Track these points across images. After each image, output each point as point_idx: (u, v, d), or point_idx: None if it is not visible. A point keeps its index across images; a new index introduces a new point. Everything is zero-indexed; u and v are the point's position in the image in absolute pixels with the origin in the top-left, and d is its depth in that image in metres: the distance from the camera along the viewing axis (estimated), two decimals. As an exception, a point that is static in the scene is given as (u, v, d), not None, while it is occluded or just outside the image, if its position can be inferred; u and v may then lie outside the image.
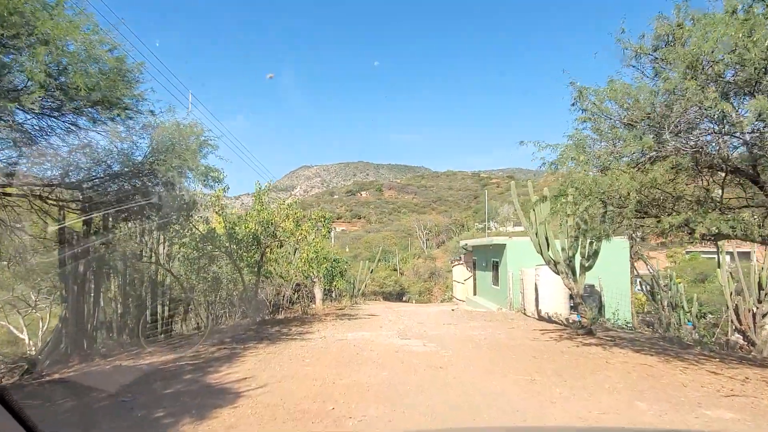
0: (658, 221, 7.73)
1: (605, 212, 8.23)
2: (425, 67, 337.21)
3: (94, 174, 9.81)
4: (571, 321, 14.84)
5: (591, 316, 11.44)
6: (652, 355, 9.16)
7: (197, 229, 13.00)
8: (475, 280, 23.65)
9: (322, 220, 13.85)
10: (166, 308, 13.65)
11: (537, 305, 15.85)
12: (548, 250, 12.15)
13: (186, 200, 11.92)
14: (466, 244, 23.75)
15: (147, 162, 9.61)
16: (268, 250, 13.90)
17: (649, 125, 7.59)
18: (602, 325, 13.28)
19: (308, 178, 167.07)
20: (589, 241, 11.69)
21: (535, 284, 16.02)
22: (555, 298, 16.17)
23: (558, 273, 12.08)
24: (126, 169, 9.70)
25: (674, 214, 7.23)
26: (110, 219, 11.13)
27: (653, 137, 7.04)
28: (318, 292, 20.81)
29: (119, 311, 13.14)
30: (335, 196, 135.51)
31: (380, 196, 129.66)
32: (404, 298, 45.19)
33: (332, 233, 42.84)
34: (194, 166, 9.24)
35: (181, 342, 11.50)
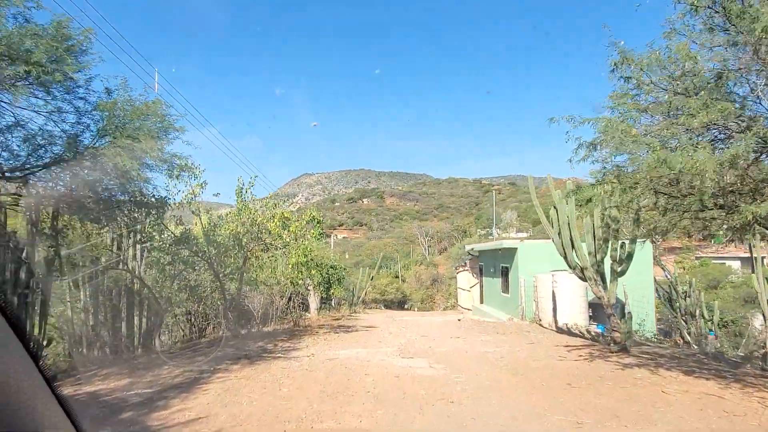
0: (730, 213, 5.97)
1: (662, 204, 6.44)
2: (426, 74, 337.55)
3: (33, 161, 8.08)
4: (594, 334, 13.02)
5: (626, 330, 9.63)
6: (707, 378, 7.35)
7: (169, 230, 11.25)
8: (481, 287, 21.84)
9: (313, 220, 12.11)
10: (144, 320, 11.93)
11: (555, 315, 14.04)
12: (573, 254, 10.36)
13: (153, 195, 10.19)
14: (473, 249, 21.97)
15: (95, 147, 7.89)
16: (251, 254, 12.15)
17: (716, 89, 5.85)
18: (631, 339, 11.48)
19: (310, 186, 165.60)
20: (621, 242, 9.90)
21: (552, 292, 14.22)
22: (573, 308, 14.38)
23: (585, 280, 10.28)
24: (72, 155, 7.95)
25: (759, 201, 5.45)
26: (62, 217, 9.40)
27: (736, 104, 5.31)
28: (313, 301, 19.01)
29: (89, 324, 11.43)
30: (336, 204, 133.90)
31: (382, 204, 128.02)
32: (406, 306, 43.30)
33: (332, 239, 41.08)
34: (149, 148, 7.48)
35: (149, 361, 9.71)
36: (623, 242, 9.93)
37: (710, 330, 19.82)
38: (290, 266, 11.42)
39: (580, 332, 13.10)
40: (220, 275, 11.91)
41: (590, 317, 15.24)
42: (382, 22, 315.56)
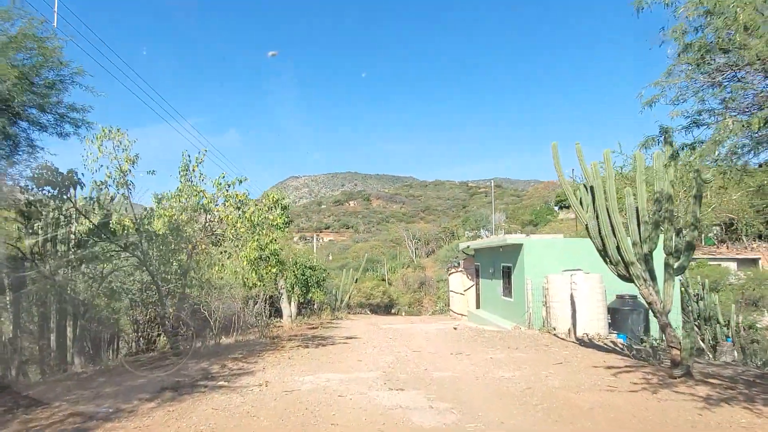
0: None
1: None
2: (412, 77, 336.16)
3: None
4: (623, 346, 10.47)
5: (689, 347, 7.05)
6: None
7: (84, 215, 8.45)
8: (478, 290, 19.26)
9: (278, 205, 9.41)
10: (54, 335, 9.14)
11: (573, 323, 11.49)
12: (614, 246, 7.78)
13: (52, 168, 7.42)
14: (468, 247, 19.35)
15: None
16: (198, 249, 9.39)
17: None
18: (667, 353, 8.96)
19: (296, 189, 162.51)
20: (677, 229, 7.36)
21: (571, 296, 11.67)
22: (594, 314, 11.85)
23: (630, 279, 7.69)
24: None
25: None
26: None
27: None
28: (286, 307, 16.24)
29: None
30: (323, 206, 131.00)
31: (368, 206, 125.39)
32: (393, 311, 40.60)
33: (315, 240, 38.28)
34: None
35: (41, 395, 6.88)
36: (680, 229, 7.39)
37: (727, 336, 17.45)
38: (244, 262, 8.69)
39: (607, 344, 10.55)
40: (157, 276, 9.10)
41: (610, 325, 12.73)
42: (369, 28, 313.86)
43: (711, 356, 15.73)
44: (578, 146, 8.32)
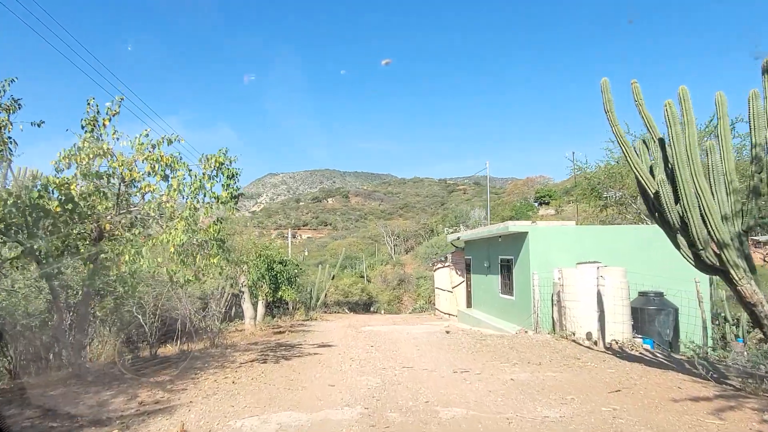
0: None
1: None
2: (390, 75, 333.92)
3: None
4: (664, 356, 8.16)
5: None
6: None
7: None
8: (469, 287, 16.87)
9: (221, 169, 6.73)
10: None
11: (601, 328, 9.13)
12: (700, 222, 5.38)
13: None
14: (458, 238, 16.88)
15: None
16: (108, 230, 6.66)
17: None
18: (711, 362, 6.69)
19: (274, 186, 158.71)
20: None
21: (598, 293, 9.30)
22: (620, 315, 9.52)
23: (717, 269, 5.31)
24: None
25: None
26: None
27: None
28: (249, 308, 13.53)
29: None
30: (301, 203, 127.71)
31: (347, 203, 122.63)
32: (372, 308, 38.05)
33: (291, 236, 35.47)
34: None
35: None
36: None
37: (737, 336, 15.50)
38: (171, 249, 6.03)
39: (650, 355, 8.21)
40: (46, 266, 6.35)
41: (633, 327, 10.45)
42: (346, 25, 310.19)
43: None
44: (636, 86, 5.89)
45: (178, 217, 6.24)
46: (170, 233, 6.03)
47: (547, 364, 7.19)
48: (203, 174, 6.86)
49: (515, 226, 11.83)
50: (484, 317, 14.19)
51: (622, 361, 7.45)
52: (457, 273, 18.15)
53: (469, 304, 16.91)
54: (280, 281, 18.08)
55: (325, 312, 27.76)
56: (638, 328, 10.51)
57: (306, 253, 48.44)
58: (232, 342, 10.94)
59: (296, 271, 20.50)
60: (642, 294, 10.84)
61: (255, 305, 14.41)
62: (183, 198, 6.52)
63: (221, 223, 7.22)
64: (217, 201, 6.67)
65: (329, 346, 10.29)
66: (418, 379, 6.50)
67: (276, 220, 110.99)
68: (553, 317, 11.04)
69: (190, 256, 6.51)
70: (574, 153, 15.82)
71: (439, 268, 20.38)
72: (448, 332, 12.29)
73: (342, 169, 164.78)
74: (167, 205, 6.47)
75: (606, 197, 16.40)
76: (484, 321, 13.75)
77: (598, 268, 9.28)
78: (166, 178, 6.61)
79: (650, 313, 10.61)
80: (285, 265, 18.32)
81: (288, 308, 23.57)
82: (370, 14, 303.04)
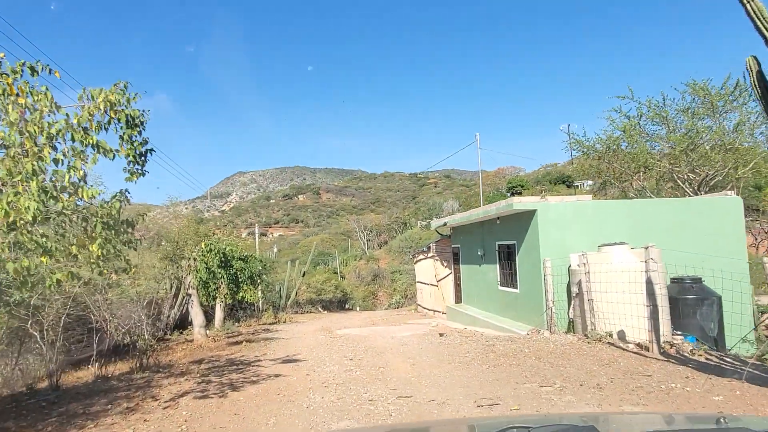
0: None
1: None
2: (358, 71, 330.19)
3: None
4: (755, 361, 6.03)
5: None
6: None
7: None
8: (458, 279, 14.60)
9: (113, 107, 4.19)
10: None
11: (655, 327, 6.91)
12: None
13: None
14: (445, 224, 14.49)
15: None
16: None
17: None
18: None
19: (244, 184, 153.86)
20: None
21: (648, 281, 7.07)
22: (661, 309, 7.36)
23: None
24: None
25: None
26: None
27: None
28: (198, 313, 10.86)
29: None
30: (272, 201, 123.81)
31: (318, 200, 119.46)
32: (347, 306, 35.54)
33: (259, 235, 32.58)
34: None
35: None
36: None
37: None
38: (18, 223, 3.49)
39: (711, 359, 6.06)
40: None
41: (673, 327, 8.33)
42: (315, 21, 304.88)
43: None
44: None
45: (30, 178, 3.62)
46: (10, 198, 3.43)
47: (610, 386, 4.91)
48: (83, 116, 4.26)
49: (521, 203, 9.54)
50: (480, 314, 11.93)
51: (708, 374, 5.23)
52: (442, 264, 15.86)
53: (458, 299, 14.64)
54: (241, 280, 15.40)
55: (297, 312, 25.12)
56: (674, 322, 8.42)
57: (276, 250, 45.45)
58: (169, 360, 8.33)
59: (260, 268, 17.84)
60: (676, 281, 8.73)
61: (209, 310, 11.75)
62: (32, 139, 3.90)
63: (123, 196, 4.64)
64: (99, 150, 4.07)
65: (295, 361, 7.80)
66: (429, 423, 4.11)
67: (246, 218, 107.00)
68: (570, 314, 8.85)
69: (60, 240, 3.92)
70: (569, 125, 13.64)
71: (421, 259, 18.06)
72: (442, 335, 9.97)
73: (312, 165, 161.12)
74: (24, 159, 3.86)
75: (606, 176, 14.44)
76: (481, 319, 11.50)
77: (647, 248, 7.06)
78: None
79: (689, 303, 8.52)
80: (246, 262, 15.65)
81: (255, 309, 20.84)
82: (338, 8, 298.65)
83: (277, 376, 6.60)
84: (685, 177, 12.43)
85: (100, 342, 8.00)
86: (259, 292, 21.80)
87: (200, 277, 10.46)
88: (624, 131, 12.53)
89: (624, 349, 6.87)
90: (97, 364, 7.79)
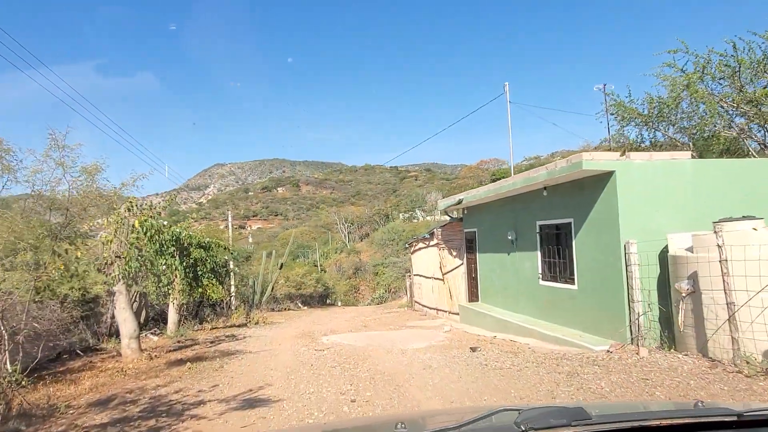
0: None
1: None
2: (338, 63, 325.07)
3: None
4: None
5: None
6: None
7: None
8: (473, 272, 11.50)
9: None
10: None
11: None
12: None
13: None
14: (459, 201, 11.20)
15: None
16: None
17: None
18: None
19: (222, 177, 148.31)
20: None
21: None
22: None
23: None
24: None
25: None
26: None
27: None
28: (128, 319, 7.48)
29: None
30: (250, 194, 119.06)
31: (297, 192, 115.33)
32: (329, 301, 32.28)
33: (230, 220, 28.97)
34: None
35: None
36: None
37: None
38: None
39: None
40: None
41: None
42: (294, 13, 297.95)
43: None
44: None
45: None
46: None
47: None
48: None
49: (593, 161, 6.48)
50: (512, 317, 8.89)
51: None
52: (450, 254, 12.77)
53: (473, 296, 11.58)
54: (201, 273, 12.05)
55: (273, 310, 21.73)
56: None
57: (251, 240, 41.70)
58: (57, 400, 5.01)
59: (228, 256, 14.50)
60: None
61: (139, 312, 8.43)
62: None
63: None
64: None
65: (261, 404, 4.60)
66: None
67: (224, 211, 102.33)
68: (679, 322, 5.84)
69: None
70: (605, 85, 10.60)
71: (420, 248, 14.94)
72: (474, 350, 6.88)
73: (292, 158, 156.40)
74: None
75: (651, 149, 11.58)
76: (514, 323, 8.46)
77: None
78: None
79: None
80: (208, 250, 12.30)
81: (224, 307, 17.40)
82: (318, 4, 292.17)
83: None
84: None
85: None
86: (232, 288, 18.39)
87: (131, 267, 7.17)
88: (689, 86, 9.62)
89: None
90: None
